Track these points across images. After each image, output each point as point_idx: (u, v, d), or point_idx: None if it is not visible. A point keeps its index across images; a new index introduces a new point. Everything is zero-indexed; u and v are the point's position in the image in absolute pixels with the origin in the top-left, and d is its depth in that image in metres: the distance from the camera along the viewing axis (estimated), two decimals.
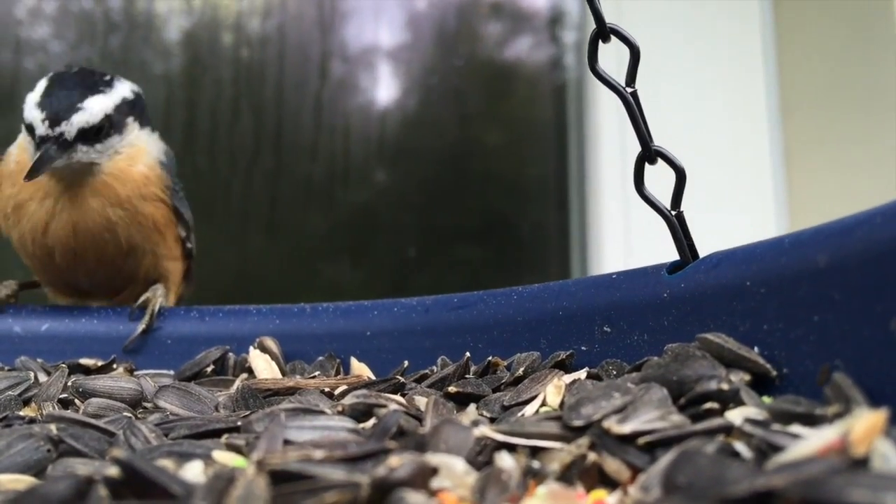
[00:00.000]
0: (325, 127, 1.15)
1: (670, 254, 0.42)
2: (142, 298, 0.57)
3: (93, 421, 0.36)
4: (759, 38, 1.11)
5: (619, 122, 1.06)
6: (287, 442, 0.31)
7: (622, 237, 1.06)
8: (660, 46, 1.10)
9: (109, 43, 1.12)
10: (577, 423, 0.30)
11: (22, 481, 0.30)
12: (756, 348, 0.36)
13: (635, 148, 0.43)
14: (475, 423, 0.31)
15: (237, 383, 0.47)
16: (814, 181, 1.06)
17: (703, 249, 0.41)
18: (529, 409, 0.37)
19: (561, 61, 1.22)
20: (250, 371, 0.51)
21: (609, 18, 0.43)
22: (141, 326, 0.55)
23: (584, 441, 0.30)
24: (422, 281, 1.14)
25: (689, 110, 1.09)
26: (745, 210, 1.07)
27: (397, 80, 1.19)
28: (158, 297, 0.58)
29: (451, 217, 1.19)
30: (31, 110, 0.54)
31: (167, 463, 0.29)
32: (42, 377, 0.47)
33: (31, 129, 0.54)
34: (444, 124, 1.20)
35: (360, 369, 0.50)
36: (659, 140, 0.43)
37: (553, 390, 0.38)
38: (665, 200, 0.43)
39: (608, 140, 1.09)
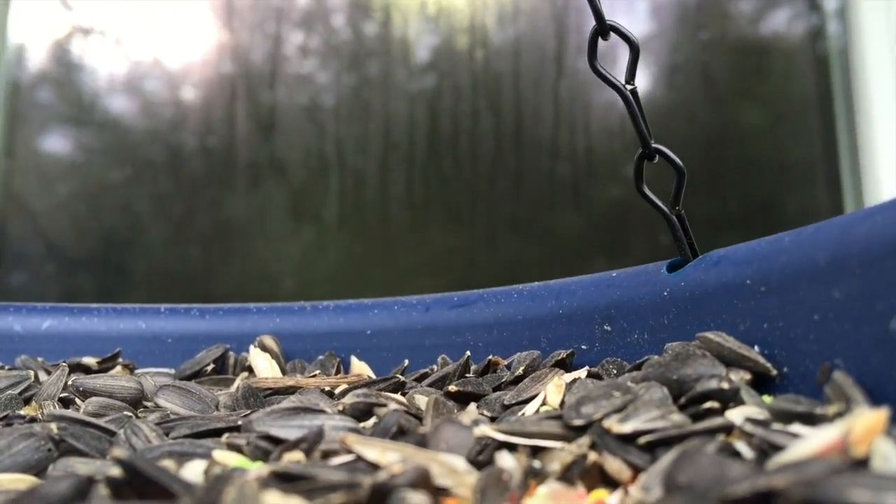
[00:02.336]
0: (566, 123, 1.14)
1: None
2: None
3: (93, 420, 0.36)
4: None
5: (894, 91, 1.02)
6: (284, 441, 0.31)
7: None
8: None
9: (368, 69, 1.16)
10: (578, 422, 0.30)
11: (23, 481, 0.30)
12: (756, 347, 0.36)
13: None
14: (475, 423, 0.31)
15: (237, 382, 0.47)
16: None
17: None
18: (530, 409, 0.37)
19: (822, 31, 1.17)
20: (251, 370, 0.51)
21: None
22: None
23: (584, 440, 0.30)
24: None
25: None
26: None
27: (643, 70, 1.16)
28: None
29: (709, 206, 1.16)
30: None
31: (168, 463, 0.29)
32: (42, 376, 0.47)
33: None
34: (695, 110, 1.17)
35: (360, 368, 0.50)
36: None
37: (553, 389, 0.38)
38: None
39: (882, 111, 1.04)
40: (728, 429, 0.29)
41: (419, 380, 0.45)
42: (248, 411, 0.38)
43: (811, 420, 0.29)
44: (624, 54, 0.42)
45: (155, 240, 1.19)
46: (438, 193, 1.14)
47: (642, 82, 1.15)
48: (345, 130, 1.15)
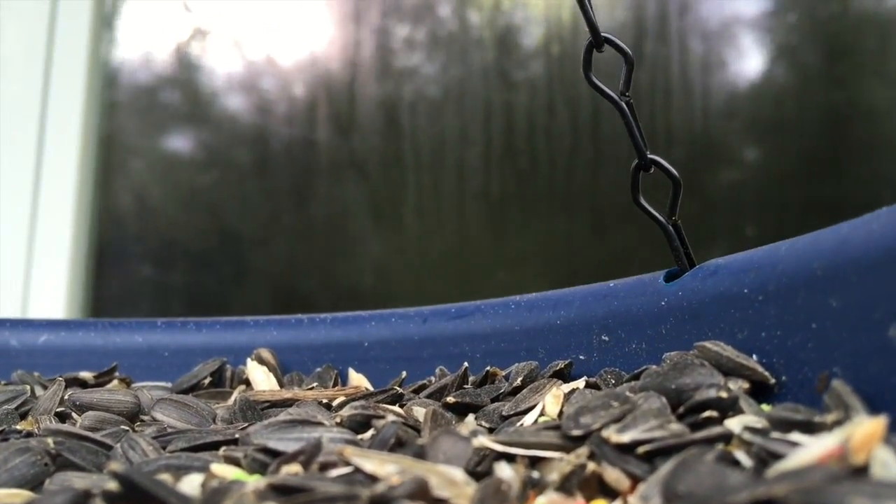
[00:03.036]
0: (682, 108, 1.11)
1: None
2: None
3: (90, 434, 0.36)
4: None
5: None
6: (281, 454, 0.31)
7: None
8: None
9: (474, 60, 1.16)
10: (576, 432, 0.30)
11: (19, 495, 0.30)
12: (754, 356, 0.36)
13: None
14: (474, 434, 0.31)
15: (235, 395, 0.47)
16: None
17: None
18: (528, 419, 0.37)
19: None
20: (248, 383, 0.50)
21: None
22: None
23: (583, 450, 0.30)
24: None
25: None
26: None
27: (761, 48, 1.14)
28: None
29: (835, 189, 1.11)
30: None
31: (165, 476, 0.29)
32: (39, 391, 0.47)
33: None
34: (815, 90, 1.13)
35: (358, 380, 0.50)
36: None
37: (552, 400, 0.38)
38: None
39: None
40: (727, 438, 0.29)
41: (417, 391, 0.45)
42: (246, 424, 0.38)
43: (810, 428, 0.29)
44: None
45: (271, 236, 1.20)
46: (543, 181, 1.13)
47: (757, 62, 1.13)
48: (454, 123, 1.15)
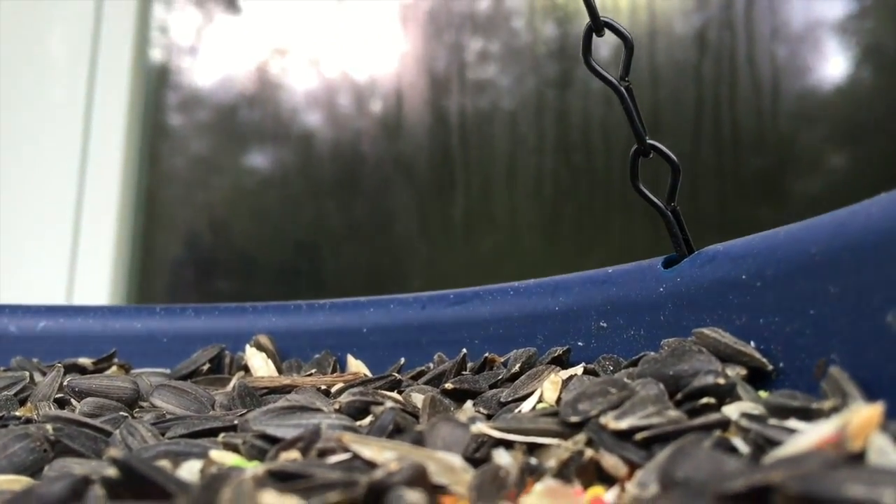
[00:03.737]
0: (766, 113, 1.09)
1: None
2: None
3: (89, 420, 0.36)
4: None
5: None
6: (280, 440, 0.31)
7: None
8: None
9: (546, 71, 1.15)
10: (574, 419, 0.30)
11: (18, 481, 0.30)
12: (752, 342, 0.36)
13: None
14: (472, 420, 0.31)
15: (233, 382, 0.47)
16: None
17: None
18: (526, 406, 0.37)
19: None
20: (247, 369, 0.50)
21: None
22: None
23: (581, 437, 0.30)
24: None
25: None
26: None
27: (844, 51, 1.11)
28: None
29: None
30: None
31: (164, 462, 0.29)
32: (38, 377, 0.47)
33: None
34: None
35: (356, 366, 0.50)
36: None
37: (550, 386, 0.38)
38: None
39: None
40: (724, 424, 0.29)
41: (415, 378, 0.45)
42: (245, 410, 0.38)
43: (807, 415, 0.29)
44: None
45: (345, 247, 1.21)
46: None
47: (842, 65, 1.10)
48: (527, 132, 1.14)
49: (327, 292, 1.20)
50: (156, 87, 1.23)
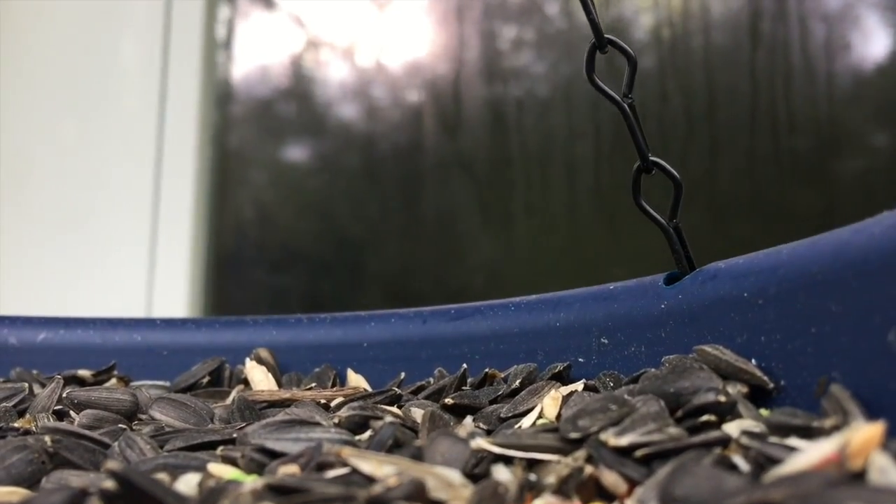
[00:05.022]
0: (805, 94, 1.07)
1: None
2: None
3: (87, 432, 0.36)
4: None
5: None
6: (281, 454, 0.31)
7: None
8: None
9: (582, 57, 1.14)
10: (574, 435, 0.30)
11: (16, 493, 0.30)
12: (754, 360, 0.36)
13: None
14: (472, 436, 0.31)
15: (233, 395, 0.47)
16: None
17: None
18: (526, 422, 0.37)
19: None
20: (246, 382, 0.50)
21: None
22: None
23: (580, 453, 0.30)
24: None
25: None
26: None
27: (889, 29, 1.08)
28: None
29: None
30: None
31: (162, 475, 0.29)
32: (37, 388, 0.47)
33: None
34: None
35: (356, 381, 0.50)
36: None
37: (550, 402, 0.38)
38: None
39: None
40: (725, 442, 0.29)
41: (415, 392, 0.45)
42: (244, 424, 0.38)
43: (808, 433, 0.29)
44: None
45: (383, 239, 1.21)
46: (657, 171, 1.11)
47: (884, 43, 1.08)
48: (562, 122, 1.14)
49: (366, 284, 1.21)
50: (224, 92, 1.24)
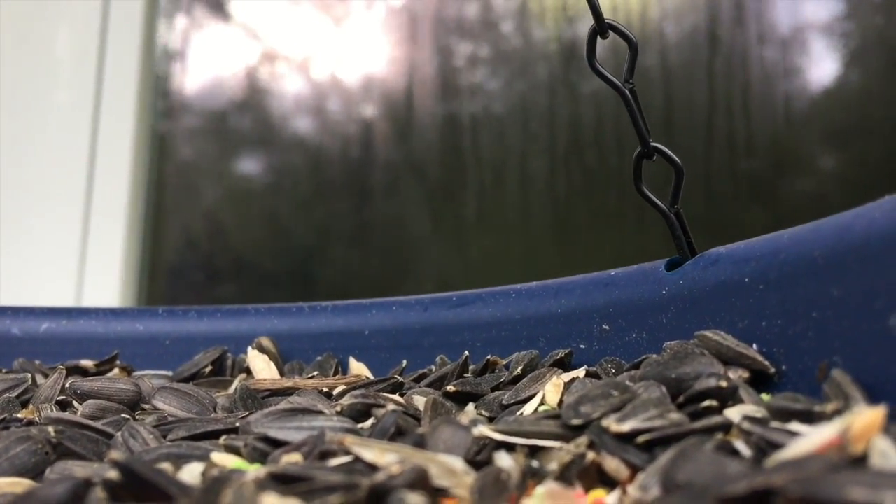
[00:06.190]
0: (755, 117, 1.09)
1: None
2: None
3: (91, 423, 0.36)
4: None
5: None
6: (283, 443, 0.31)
7: None
8: None
9: (538, 74, 1.16)
10: (576, 421, 0.30)
11: (20, 484, 0.30)
12: (755, 345, 0.36)
13: None
14: (474, 423, 0.31)
15: (235, 384, 0.47)
16: None
17: None
18: (528, 408, 0.37)
19: None
20: (248, 371, 0.50)
21: None
22: None
23: (582, 440, 0.30)
24: None
25: None
26: None
27: (833, 55, 1.10)
28: None
29: None
30: None
31: (166, 465, 0.29)
32: (40, 379, 0.47)
33: None
34: (892, 94, 1.09)
35: (358, 369, 0.50)
36: None
37: (552, 389, 0.38)
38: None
39: None
40: (726, 427, 0.29)
41: (417, 380, 0.45)
42: (246, 413, 0.38)
43: (809, 418, 0.29)
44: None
45: (339, 252, 1.22)
46: (612, 181, 1.13)
47: (830, 67, 1.10)
48: (519, 137, 1.15)
49: (318, 296, 1.21)
50: (161, 90, 1.23)
